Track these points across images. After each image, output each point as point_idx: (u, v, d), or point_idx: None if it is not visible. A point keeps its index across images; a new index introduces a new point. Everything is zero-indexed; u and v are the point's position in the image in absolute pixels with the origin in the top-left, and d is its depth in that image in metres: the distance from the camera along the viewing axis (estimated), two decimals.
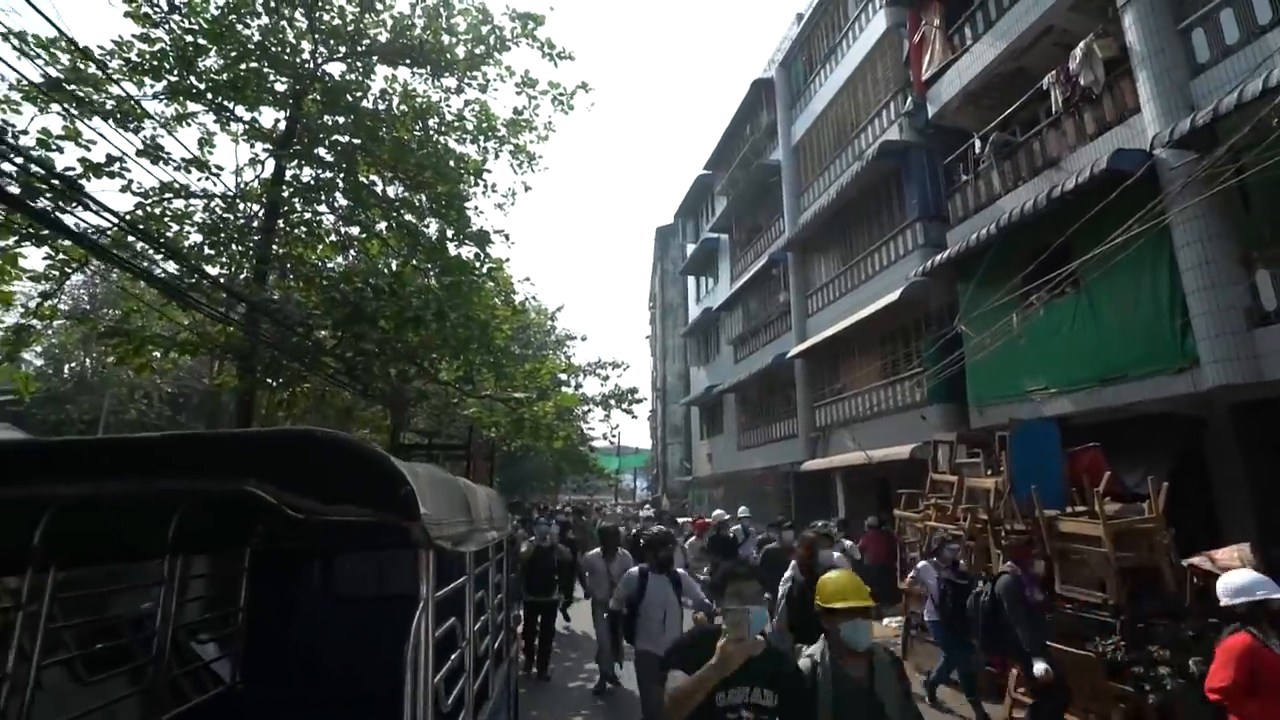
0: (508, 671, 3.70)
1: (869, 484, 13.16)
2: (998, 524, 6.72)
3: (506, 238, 11.13)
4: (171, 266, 8.01)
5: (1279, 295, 6.47)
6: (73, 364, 25.99)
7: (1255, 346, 6.60)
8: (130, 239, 7.47)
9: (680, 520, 16.08)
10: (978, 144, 10.32)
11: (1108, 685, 5.09)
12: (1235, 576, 3.36)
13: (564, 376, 20.37)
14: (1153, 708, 4.80)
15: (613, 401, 17.62)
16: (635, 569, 5.14)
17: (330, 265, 10.60)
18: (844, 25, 14.85)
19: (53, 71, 7.08)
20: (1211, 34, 7.11)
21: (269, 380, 9.09)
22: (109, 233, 6.95)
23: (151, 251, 7.73)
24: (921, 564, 6.88)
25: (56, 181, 6.01)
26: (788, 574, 5.34)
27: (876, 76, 13.51)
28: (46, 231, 6.48)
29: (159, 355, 9.11)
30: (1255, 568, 5.38)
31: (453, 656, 2.03)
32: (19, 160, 5.66)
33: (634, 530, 10.99)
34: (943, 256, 10.23)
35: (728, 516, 10.71)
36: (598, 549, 7.42)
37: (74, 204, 6.08)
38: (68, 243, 6.76)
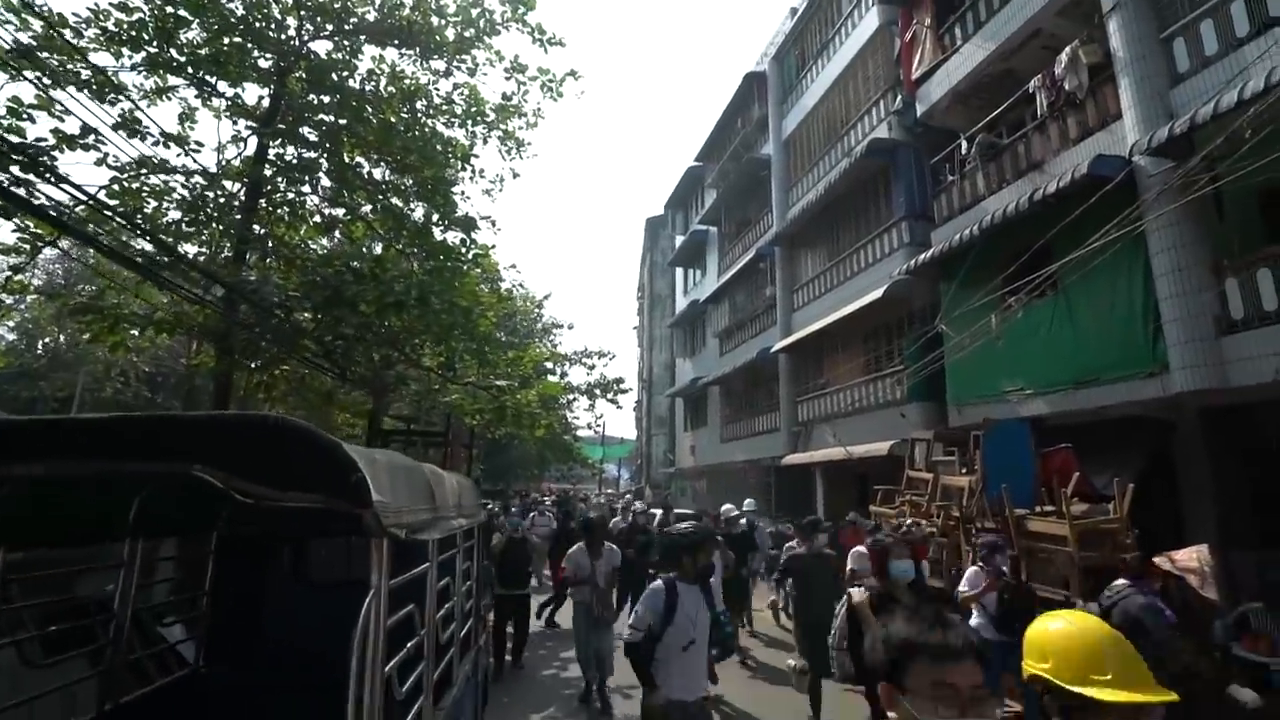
0: (475, 659, 3.71)
1: (849, 479, 13.30)
2: (969, 522, 6.82)
3: (493, 224, 11.06)
4: (146, 244, 7.84)
5: (1246, 304, 6.59)
6: (46, 340, 25.50)
7: (1223, 353, 6.74)
8: (105, 214, 7.33)
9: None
10: (964, 144, 10.39)
11: None
12: None
13: (550, 365, 20.35)
14: None
15: (598, 391, 17.63)
16: (660, 582, 3.55)
17: (314, 246, 10.48)
18: (837, 21, 14.84)
19: (23, 38, 6.88)
20: (1192, 44, 7.20)
21: (247, 362, 8.98)
22: (80, 209, 6.81)
23: (126, 228, 7.57)
24: (971, 570, 5.78)
25: (22, 155, 5.86)
26: (848, 603, 4.73)
27: (867, 74, 13.53)
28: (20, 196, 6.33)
29: (135, 334, 8.97)
30: (1213, 569, 5.54)
31: (409, 644, 2.03)
32: None
33: (628, 519, 10.33)
34: (926, 256, 10.31)
35: (735, 511, 9.76)
36: (580, 544, 6.61)
37: (39, 178, 5.92)
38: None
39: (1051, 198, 7.85)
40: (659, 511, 12.50)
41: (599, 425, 36.50)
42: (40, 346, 25.62)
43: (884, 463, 10.84)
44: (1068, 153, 8.55)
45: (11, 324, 24.93)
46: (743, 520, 10.01)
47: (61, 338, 24.79)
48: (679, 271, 27.74)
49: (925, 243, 11.11)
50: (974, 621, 5.42)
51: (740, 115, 20.44)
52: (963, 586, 5.55)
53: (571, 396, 18.87)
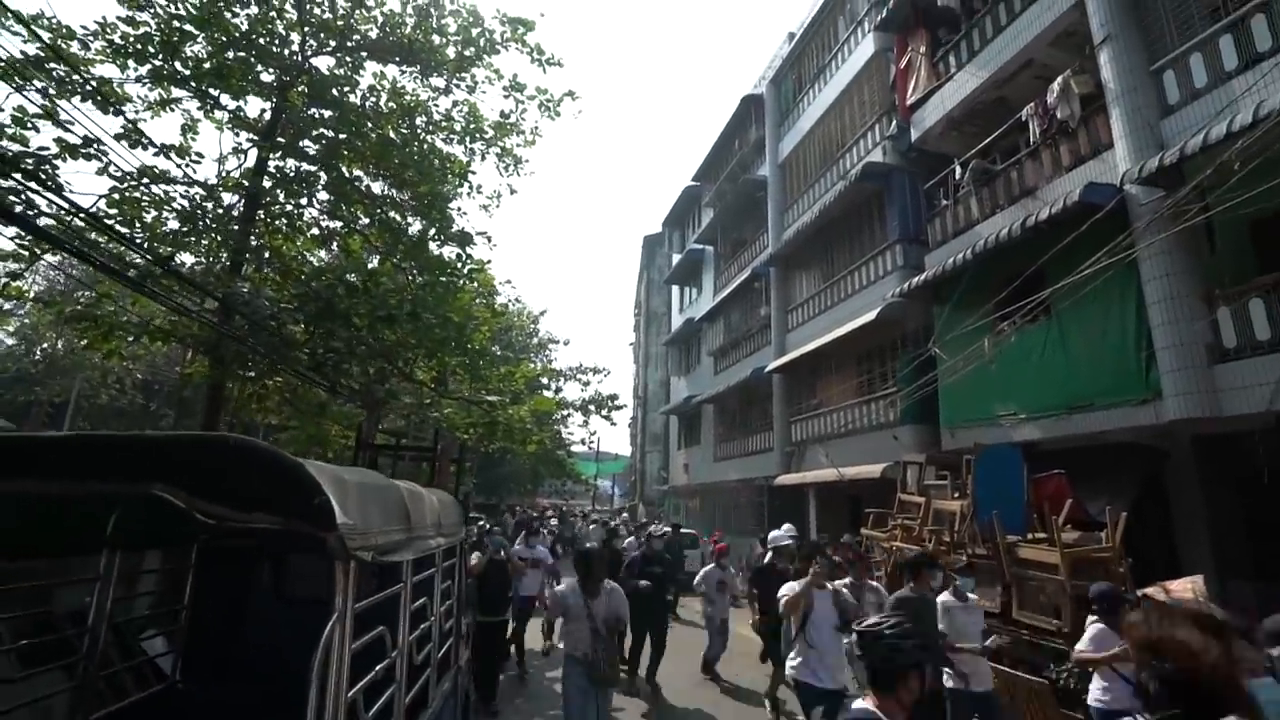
0: (455, 679, 3.66)
1: (841, 501, 13.24)
2: (960, 547, 6.78)
3: (489, 239, 11.10)
4: (140, 256, 7.87)
5: (1239, 333, 6.62)
6: (44, 345, 25.46)
7: (1215, 382, 6.75)
8: (104, 221, 7.36)
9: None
10: (958, 170, 10.49)
11: (1060, 713, 5.15)
12: None
13: (544, 380, 20.33)
14: None
15: (592, 407, 17.61)
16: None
17: (311, 259, 10.51)
18: (833, 47, 15.05)
19: (31, 49, 6.96)
20: (1182, 76, 7.30)
21: (240, 372, 8.97)
22: (78, 219, 6.83)
23: (122, 240, 7.60)
24: (1095, 627, 4.48)
25: (23, 165, 5.90)
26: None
27: (863, 98, 13.70)
28: (17, 211, 6.35)
29: (131, 341, 8.97)
30: (1207, 599, 5.50)
31: (378, 667, 2.00)
32: None
33: (639, 543, 9.02)
34: (920, 279, 10.36)
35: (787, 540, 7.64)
36: (572, 579, 5.08)
37: (41, 186, 5.95)
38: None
39: (1044, 224, 7.91)
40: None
41: (593, 441, 36.36)
42: (38, 352, 25.58)
43: (876, 485, 10.80)
44: (1060, 180, 8.64)
45: (10, 329, 24.92)
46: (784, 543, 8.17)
47: (59, 344, 24.76)
48: (675, 289, 27.85)
49: (919, 266, 11.17)
50: (1101, 692, 4.29)
51: (738, 137, 20.65)
52: (1083, 645, 4.46)
53: (566, 412, 18.85)
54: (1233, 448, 7.08)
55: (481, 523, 10.61)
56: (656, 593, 7.08)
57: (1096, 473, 7.72)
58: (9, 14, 6.77)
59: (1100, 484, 7.57)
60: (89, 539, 2.83)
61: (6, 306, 7.97)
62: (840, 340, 12.59)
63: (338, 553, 1.46)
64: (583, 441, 29.16)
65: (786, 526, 8.54)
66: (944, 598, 5.16)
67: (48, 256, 10.19)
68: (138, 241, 7.83)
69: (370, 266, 10.11)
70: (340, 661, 1.52)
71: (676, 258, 26.93)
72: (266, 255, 9.35)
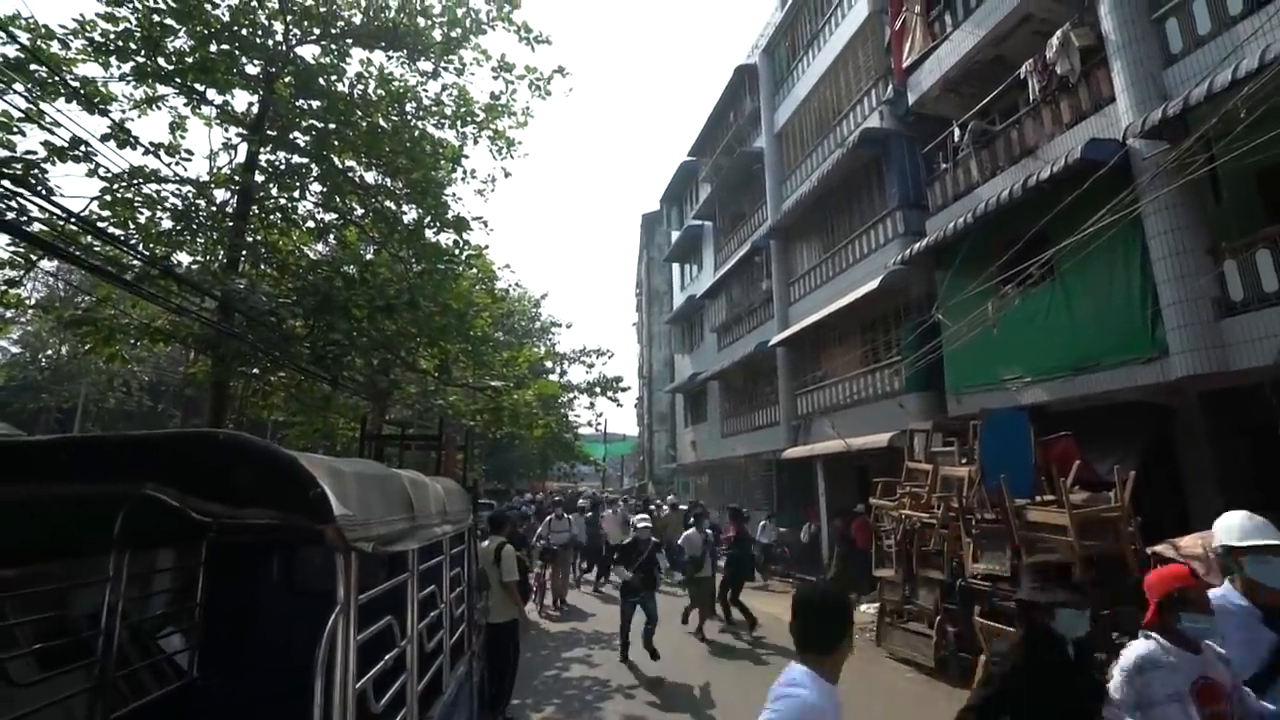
0: (470, 663, 3.69)
1: (850, 472, 13.26)
2: (969, 512, 6.79)
3: (485, 224, 11.02)
4: (136, 259, 7.84)
5: (1246, 286, 6.53)
6: (48, 353, 25.58)
7: (1222, 336, 6.68)
8: (98, 224, 7.32)
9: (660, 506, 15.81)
10: (957, 132, 10.31)
11: None
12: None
13: (548, 364, 20.34)
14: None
15: (597, 389, 17.63)
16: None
17: (308, 252, 10.46)
18: (826, 11, 14.74)
19: (10, 51, 6.86)
20: (1184, 24, 7.12)
21: (242, 370, 8.98)
22: (70, 223, 6.79)
23: (116, 243, 7.56)
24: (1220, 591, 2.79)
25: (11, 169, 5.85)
26: None
27: (858, 63, 13.45)
28: (8, 218, 6.31)
29: (133, 344, 8.97)
30: (1218, 555, 5.50)
31: (387, 656, 2.01)
32: None
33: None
34: (921, 245, 10.24)
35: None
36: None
37: (31, 192, 5.90)
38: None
39: (1046, 183, 7.79)
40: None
41: (600, 423, 36.51)
42: (43, 359, 25.70)
43: (884, 454, 10.81)
44: (1061, 137, 8.48)
45: (14, 337, 25.03)
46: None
47: (63, 350, 24.87)
48: (676, 267, 27.70)
49: (920, 232, 11.05)
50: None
51: (732, 109, 20.35)
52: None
53: (571, 395, 18.88)
54: (1242, 402, 7.02)
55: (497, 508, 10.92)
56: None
57: (1104, 433, 7.69)
58: None
59: (1108, 444, 7.55)
60: (97, 541, 2.84)
61: (8, 315, 7.94)
62: (843, 311, 12.52)
63: (337, 544, 1.45)
64: (590, 424, 29.26)
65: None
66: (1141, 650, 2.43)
67: (44, 263, 10.19)
68: (132, 243, 7.80)
69: (367, 257, 10.05)
70: (346, 652, 1.52)
71: (675, 235, 26.74)
72: (262, 251, 9.31)
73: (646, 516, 9.00)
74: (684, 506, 14.91)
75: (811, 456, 14.10)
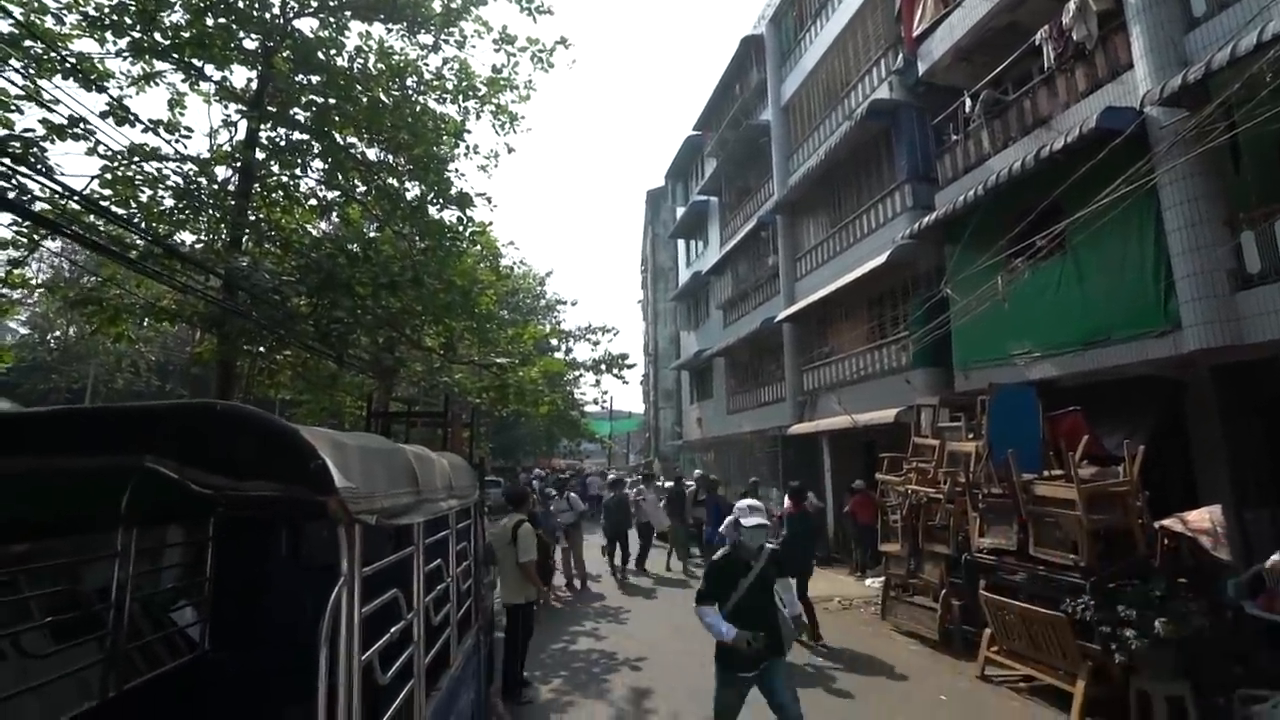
0: (477, 636, 3.72)
1: (856, 448, 13.25)
2: (976, 488, 6.77)
3: (489, 201, 10.91)
4: (139, 237, 7.81)
5: (1263, 257, 6.40)
6: (57, 333, 25.73)
7: (1238, 309, 6.56)
8: (101, 202, 7.27)
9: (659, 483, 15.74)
10: (968, 103, 10.09)
11: (1076, 644, 5.21)
12: None
13: (554, 342, 20.33)
14: (1118, 666, 4.91)
15: (603, 366, 17.63)
16: None
17: (311, 230, 10.40)
18: None
19: (4, 26, 6.76)
20: None
21: (248, 348, 8.99)
22: (74, 202, 6.75)
23: (119, 221, 7.52)
24: None
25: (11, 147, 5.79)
26: None
27: (867, 33, 13.13)
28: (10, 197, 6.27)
29: (140, 323, 8.98)
30: (1225, 529, 5.47)
31: (393, 629, 2.01)
32: None
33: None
34: (930, 218, 10.09)
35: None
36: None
37: (32, 170, 5.85)
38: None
39: (1059, 154, 7.61)
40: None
41: (606, 400, 36.61)
42: (52, 340, 25.85)
43: (891, 430, 10.78)
44: (1076, 106, 8.27)
45: (23, 318, 25.17)
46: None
47: (71, 330, 25.00)
48: (681, 243, 27.47)
49: (929, 205, 10.87)
50: None
51: (738, 81, 19.98)
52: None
53: (577, 373, 18.88)
54: (1255, 376, 6.93)
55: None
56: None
57: (1114, 408, 7.63)
58: None
59: (1118, 419, 7.49)
60: (105, 516, 2.85)
61: (15, 296, 7.97)
62: (850, 286, 12.40)
63: (339, 516, 1.43)
64: (595, 401, 29.32)
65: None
66: None
67: (49, 243, 10.16)
68: (135, 221, 7.76)
69: (370, 235, 9.99)
70: (350, 624, 1.51)
71: (680, 210, 26.48)
72: (265, 229, 9.26)
73: (757, 506, 4.08)
74: (690, 483, 13.62)
75: (817, 433, 14.09)
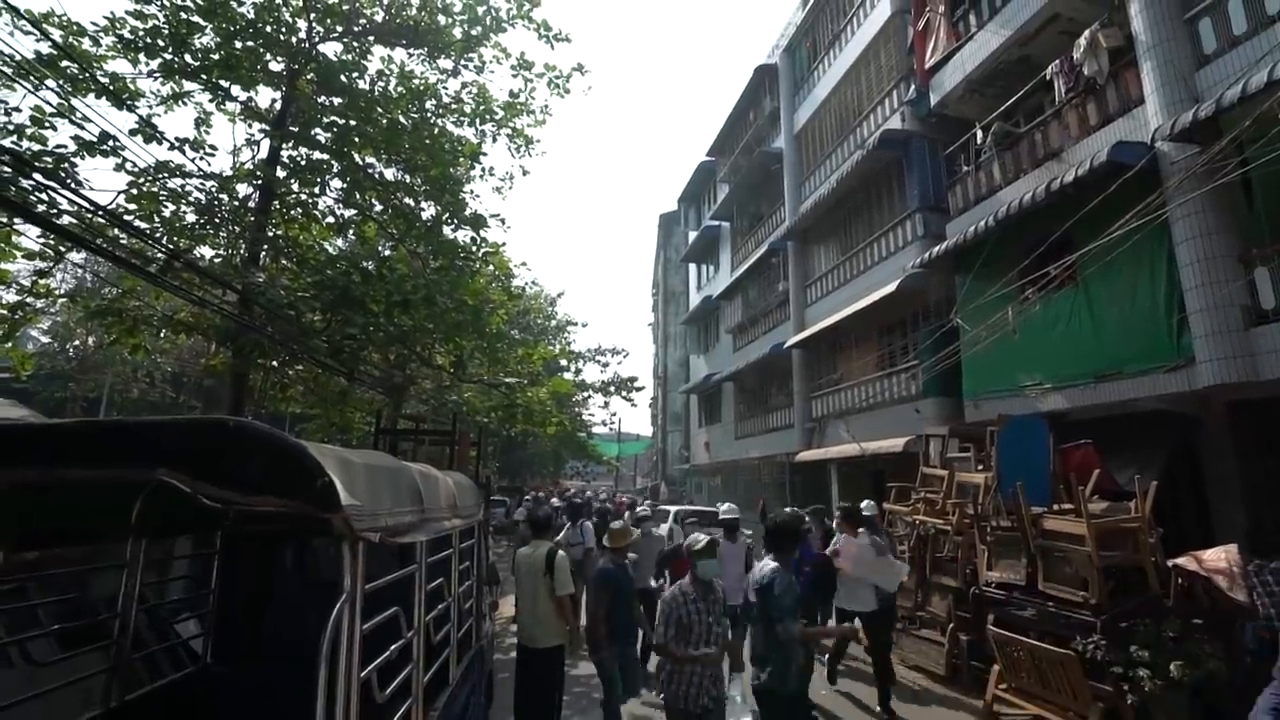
0: (475, 655, 3.71)
1: (864, 476, 13.14)
2: (984, 520, 6.69)
3: (503, 222, 11.07)
4: (160, 251, 7.99)
5: (1277, 294, 6.36)
6: (75, 343, 26.14)
7: (1251, 345, 6.51)
8: (124, 217, 7.46)
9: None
10: (979, 134, 10.17)
11: (1087, 684, 5.09)
12: None
13: (563, 363, 20.40)
14: (1130, 708, 4.79)
15: (612, 388, 17.64)
16: None
17: (328, 247, 10.58)
18: (849, 10, 14.62)
19: (44, 47, 7.03)
20: (1219, 24, 6.95)
21: (261, 362, 9.10)
22: (97, 216, 6.93)
23: (142, 235, 7.70)
24: None
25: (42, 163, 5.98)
26: None
27: (880, 64, 13.31)
28: (39, 210, 6.46)
29: (157, 335, 9.13)
30: (1242, 570, 5.35)
31: (393, 647, 2.02)
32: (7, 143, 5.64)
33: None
34: (941, 248, 10.12)
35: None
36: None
37: (61, 185, 6.03)
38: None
39: (1070, 187, 7.65)
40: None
41: (614, 422, 36.53)
42: (70, 350, 26.26)
43: (899, 459, 10.69)
44: (1087, 140, 8.32)
45: (44, 327, 25.62)
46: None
47: (90, 340, 25.40)
48: (692, 267, 27.63)
49: (940, 235, 10.91)
50: None
51: (752, 108, 20.25)
52: None
53: (586, 394, 18.91)
54: (1270, 413, 6.85)
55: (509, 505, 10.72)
56: None
57: (1126, 442, 7.53)
58: (20, 16, 6.82)
59: (1130, 454, 7.40)
60: (115, 527, 2.89)
61: (39, 305, 8.15)
62: (860, 314, 12.41)
63: (344, 533, 1.46)
64: (604, 423, 29.30)
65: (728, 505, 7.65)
66: None
67: (73, 255, 10.40)
68: (157, 236, 7.94)
69: (385, 253, 10.15)
70: (350, 641, 1.52)
71: (693, 235, 26.69)
72: (283, 245, 9.43)
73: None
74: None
75: (825, 460, 13.99)
